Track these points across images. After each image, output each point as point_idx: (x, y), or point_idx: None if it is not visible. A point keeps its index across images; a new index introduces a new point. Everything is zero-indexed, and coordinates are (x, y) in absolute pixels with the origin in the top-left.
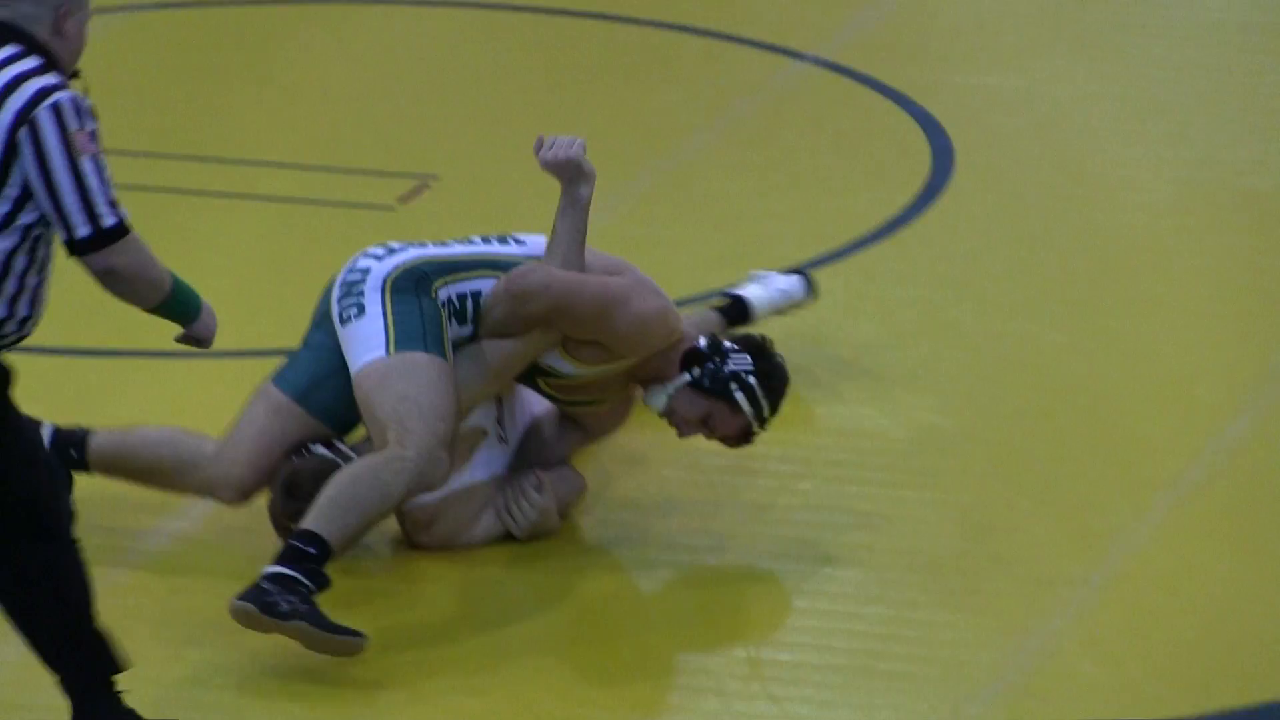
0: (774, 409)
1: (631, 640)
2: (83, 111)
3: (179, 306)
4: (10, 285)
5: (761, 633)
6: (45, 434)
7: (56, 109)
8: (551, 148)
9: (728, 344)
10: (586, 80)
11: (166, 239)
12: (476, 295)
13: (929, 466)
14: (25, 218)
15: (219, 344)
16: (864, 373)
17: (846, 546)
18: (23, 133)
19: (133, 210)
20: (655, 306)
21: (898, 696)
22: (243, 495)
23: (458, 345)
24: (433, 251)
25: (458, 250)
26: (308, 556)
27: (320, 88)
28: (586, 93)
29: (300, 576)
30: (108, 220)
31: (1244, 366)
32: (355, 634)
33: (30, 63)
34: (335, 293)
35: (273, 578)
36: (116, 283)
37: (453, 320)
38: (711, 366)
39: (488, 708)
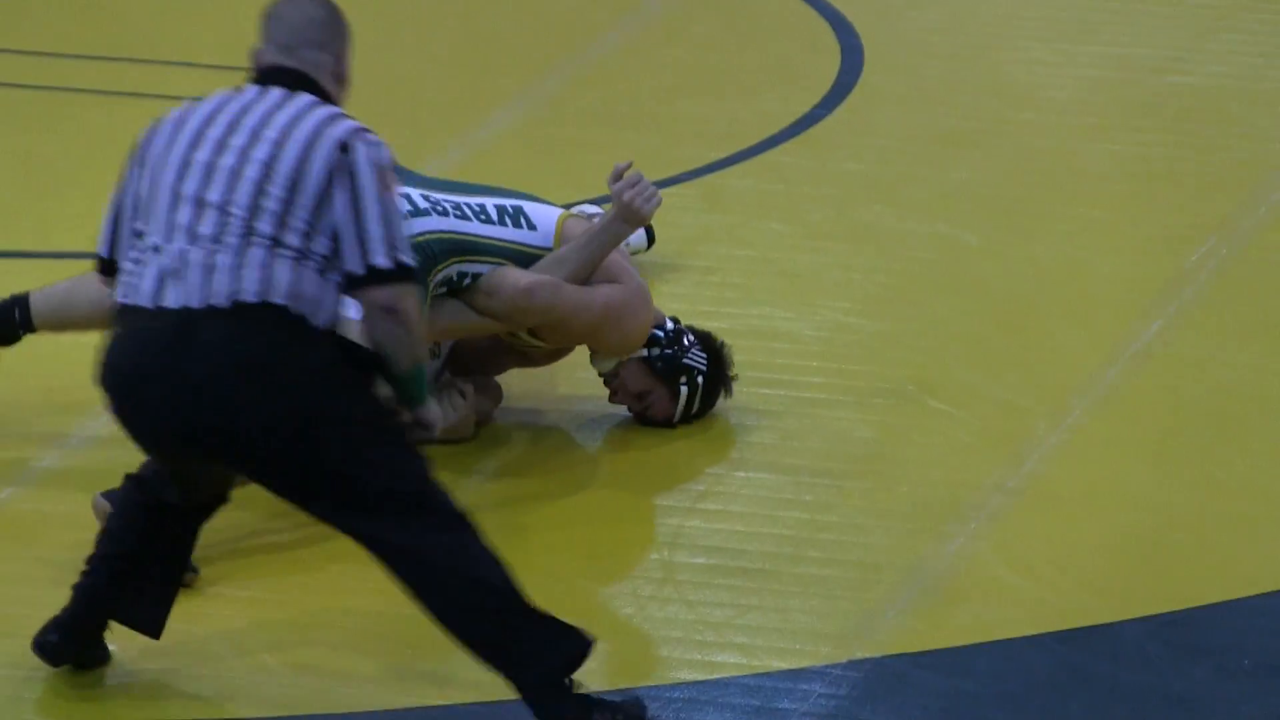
0: (702, 414)
1: (544, 548)
2: (387, 154)
3: (420, 380)
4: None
5: (675, 537)
6: None
7: (372, 144)
8: (632, 186)
9: (690, 337)
10: None
11: (79, 138)
12: (478, 276)
13: (842, 369)
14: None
15: None
16: (776, 274)
17: (759, 449)
18: (343, 159)
19: (47, 110)
20: (643, 321)
21: (813, 600)
22: None
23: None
24: (452, 225)
25: (476, 229)
26: None
27: None
28: (419, 5)
29: None
30: (405, 258)
31: (1157, 268)
32: None
33: (333, 107)
34: None
35: None
36: (395, 324)
37: (443, 289)
38: (670, 353)
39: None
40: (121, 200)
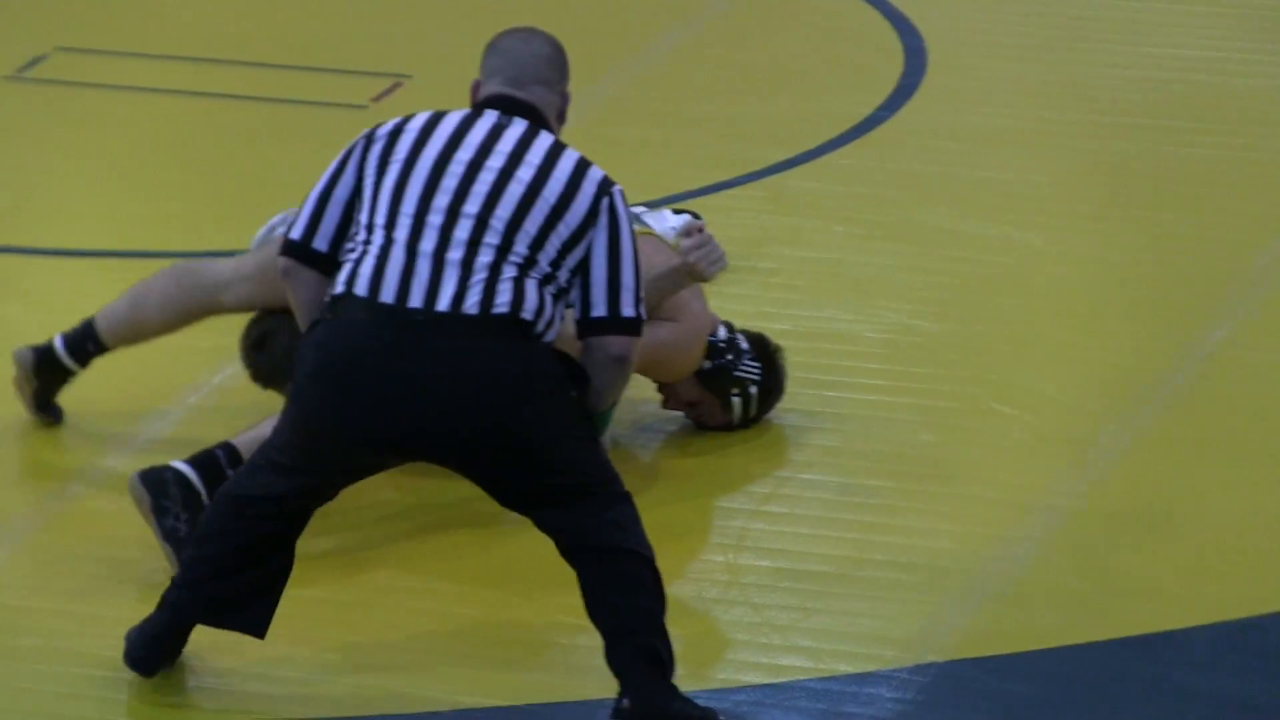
0: (758, 419)
1: None
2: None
3: (608, 417)
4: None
5: (739, 540)
6: (57, 345)
7: (621, 193)
8: (700, 248)
9: (744, 344)
10: None
11: (147, 136)
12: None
13: (906, 372)
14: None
15: (219, 243)
16: (839, 275)
17: (822, 451)
18: (605, 202)
19: (115, 109)
20: (695, 356)
21: (878, 604)
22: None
23: None
24: None
25: None
26: None
27: None
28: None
29: None
30: (643, 311)
31: (1225, 271)
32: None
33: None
34: None
35: None
36: (619, 372)
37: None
38: (721, 364)
39: (479, 616)
40: (332, 193)
